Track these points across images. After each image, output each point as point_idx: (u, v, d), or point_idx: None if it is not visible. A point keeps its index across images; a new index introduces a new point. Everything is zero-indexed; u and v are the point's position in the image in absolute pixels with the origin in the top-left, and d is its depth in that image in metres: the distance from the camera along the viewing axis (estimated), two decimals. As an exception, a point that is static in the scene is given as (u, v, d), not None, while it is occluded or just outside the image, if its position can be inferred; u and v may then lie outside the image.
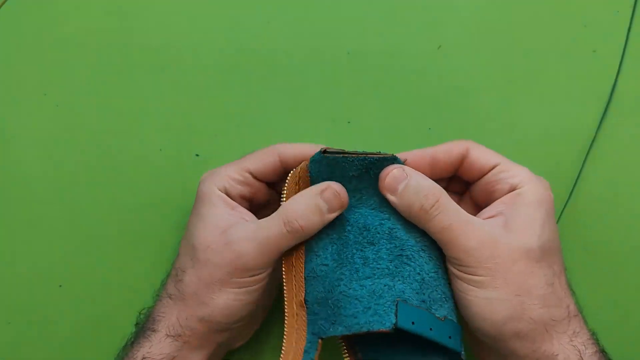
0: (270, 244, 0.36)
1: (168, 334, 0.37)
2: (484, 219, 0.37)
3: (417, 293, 0.36)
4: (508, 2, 0.47)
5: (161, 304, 0.38)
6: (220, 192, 0.39)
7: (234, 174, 0.39)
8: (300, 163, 0.38)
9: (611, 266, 0.45)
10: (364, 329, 0.35)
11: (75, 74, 0.47)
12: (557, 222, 0.44)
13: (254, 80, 0.47)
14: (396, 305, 0.35)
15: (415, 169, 0.37)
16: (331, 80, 0.47)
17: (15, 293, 0.45)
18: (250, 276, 0.37)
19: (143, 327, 0.38)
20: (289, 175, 0.38)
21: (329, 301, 0.36)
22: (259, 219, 0.38)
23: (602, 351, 0.36)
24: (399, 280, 0.36)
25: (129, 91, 0.47)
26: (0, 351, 0.45)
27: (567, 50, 0.47)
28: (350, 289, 0.36)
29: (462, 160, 0.39)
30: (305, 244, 0.38)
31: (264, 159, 0.39)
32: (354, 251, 0.37)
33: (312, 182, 0.38)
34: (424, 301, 0.36)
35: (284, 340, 0.37)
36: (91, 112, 0.46)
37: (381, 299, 0.35)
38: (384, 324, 0.34)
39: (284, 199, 0.38)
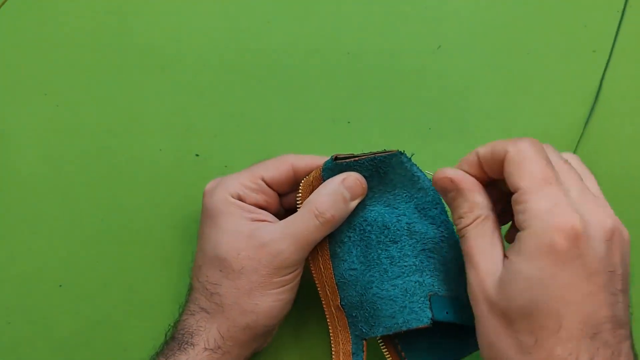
0: (304, 238, 0.37)
1: (207, 347, 0.37)
2: (506, 253, 0.33)
3: (444, 283, 0.38)
4: (508, 2, 0.47)
5: (195, 318, 0.38)
6: (234, 199, 0.39)
7: (247, 181, 0.39)
8: (312, 172, 0.39)
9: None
10: (404, 328, 0.37)
11: (75, 74, 0.47)
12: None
13: (254, 80, 0.47)
14: (429, 299, 0.37)
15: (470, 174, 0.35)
16: (331, 80, 0.47)
17: (15, 293, 0.45)
18: (288, 274, 0.38)
19: (178, 340, 0.38)
20: (302, 182, 0.39)
21: (364, 304, 0.38)
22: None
23: None
24: (427, 274, 0.38)
25: (129, 91, 0.47)
26: (0, 351, 0.45)
27: (567, 50, 0.47)
28: (383, 290, 0.38)
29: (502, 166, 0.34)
30: (329, 249, 0.39)
31: (278, 168, 0.40)
32: (379, 252, 0.38)
33: None
34: (451, 289, 0.38)
35: (332, 341, 0.40)
36: (91, 112, 0.46)
37: (414, 296, 0.37)
38: (422, 320, 0.37)
39: (300, 205, 0.39)
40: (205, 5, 0.47)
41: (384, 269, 0.38)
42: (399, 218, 0.39)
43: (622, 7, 0.47)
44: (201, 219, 0.40)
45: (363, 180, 0.38)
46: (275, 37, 0.47)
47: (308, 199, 0.38)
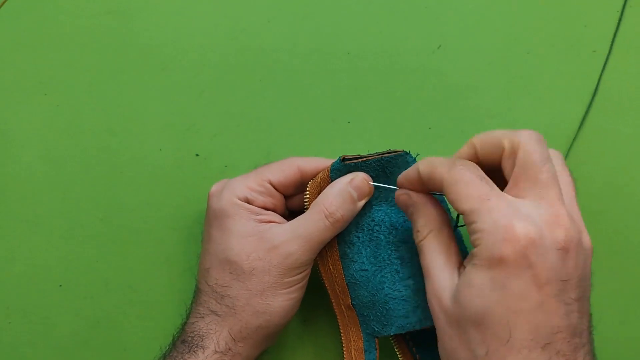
0: (314, 239, 0.38)
1: (217, 350, 0.37)
2: (463, 264, 0.34)
3: None
4: (508, 2, 0.47)
5: (205, 321, 0.38)
6: (241, 201, 0.39)
7: (254, 184, 0.39)
8: (319, 173, 0.40)
9: (597, 261, 0.45)
10: (417, 327, 0.38)
11: (75, 74, 0.47)
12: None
13: (254, 80, 0.47)
14: None
15: (414, 190, 0.36)
16: (331, 80, 0.47)
17: (15, 293, 0.45)
18: (298, 273, 0.38)
19: (188, 343, 0.38)
20: (309, 184, 0.40)
21: (377, 304, 0.39)
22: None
23: None
24: None
25: (129, 91, 0.47)
26: (0, 351, 0.45)
27: (567, 50, 0.47)
28: (395, 290, 0.38)
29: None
30: (338, 249, 0.39)
31: (285, 170, 0.40)
32: (389, 252, 0.39)
33: None
34: None
35: (342, 338, 0.40)
36: (91, 112, 0.46)
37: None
38: None
39: (308, 206, 0.39)
40: (205, 5, 0.47)
41: (395, 269, 0.39)
42: (406, 218, 0.39)
43: (622, 7, 0.47)
44: (207, 221, 0.40)
45: (370, 180, 0.39)
46: (275, 37, 0.47)
47: (317, 199, 0.39)
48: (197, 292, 0.40)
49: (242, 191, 0.39)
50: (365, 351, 0.39)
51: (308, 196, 0.39)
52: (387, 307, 0.38)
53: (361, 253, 0.39)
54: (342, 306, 0.40)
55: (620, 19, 0.46)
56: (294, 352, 0.45)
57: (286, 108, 0.47)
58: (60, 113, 0.46)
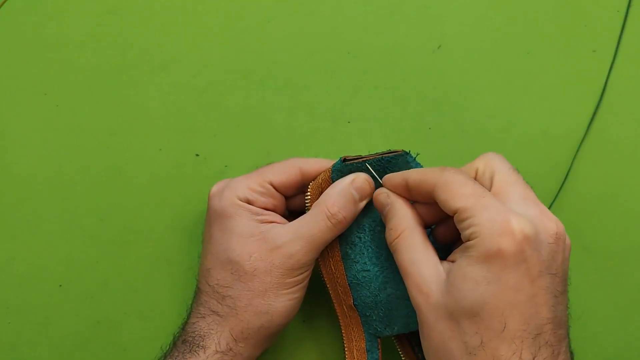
0: (316, 240, 0.38)
1: (218, 349, 0.37)
2: (448, 259, 0.35)
3: None
4: (508, 2, 0.47)
5: (206, 321, 0.38)
6: (243, 202, 0.39)
7: (255, 185, 0.39)
8: (320, 174, 0.40)
9: (602, 263, 0.45)
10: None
11: (75, 74, 0.47)
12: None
13: (254, 80, 0.47)
14: None
15: (396, 193, 0.37)
16: (331, 79, 0.47)
17: (15, 293, 0.45)
18: (300, 274, 0.38)
19: (189, 343, 0.38)
20: (310, 185, 0.40)
21: (379, 305, 0.39)
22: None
23: None
24: None
25: (129, 91, 0.47)
26: (0, 351, 0.45)
27: (567, 50, 0.47)
28: (398, 290, 0.39)
29: (433, 196, 0.35)
30: (339, 249, 0.39)
31: (286, 171, 0.40)
32: (391, 253, 0.38)
33: None
34: None
35: (344, 338, 0.40)
36: (91, 112, 0.46)
37: None
38: None
39: (309, 207, 0.39)
40: (205, 5, 0.47)
41: (397, 269, 0.38)
42: None
43: (624, 7, 0.47)
44: (208, 222, 0.40)
45: (371, 180, 0.39)
46: (275, 37, 0.47)
47: (318, 200, 0.39)
48: (197, 292, 0.40)
49: (243, 192, 0.39)
50: (367, 351, 0.39)
51: (309, 197, 0.39)
52: (390, 307, 0.38)
53: (363, 254, 0.39)
54: (344, 306, 0.40)
55: (625, 20, 0.46)
56: (294, 352, 0.45)
57: (286, 108, 0.47)
58: (60, 113, 0.46)
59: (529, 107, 0.46)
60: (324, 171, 0.39)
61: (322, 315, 0.45)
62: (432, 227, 0.39)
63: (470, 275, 0.32)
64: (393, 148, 0.39)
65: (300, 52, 0.47)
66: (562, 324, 0.33)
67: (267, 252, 0.38)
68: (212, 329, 0.38)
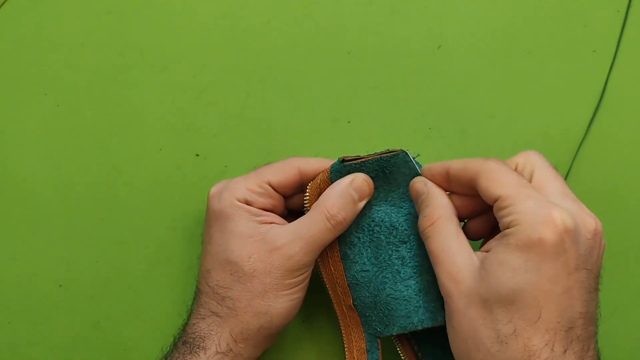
0: (316, 241, 0.38)
1: (218, 350, 0.37)
2: (481, 249, 0.35)
3: None
4: (508, 2, 0.47)
5: (206, 322, 0.38)
6: (241, 203, 0.39)
7: (254, 186, 0.39)
8: (318, 175, 0.40)
9: (602, 263, 0.45)
10: (419, 327, 0.38)
11: (75, 74, 0.47)
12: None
13: (254, 80, 0.47)
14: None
15: (434, 182, 0.37)
16: (331, 80, 0.47)
17: (15, 293, 0.45)
18: (299, 275, 0.38)
19: (190, 344, 0.38)
20: (308, 186, 0.40)
21: (378, 305, 0.39)
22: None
23: None
24: None
25: (129, 91, 0.47)
26: (0, 351, 0.45)
27: (567, 50, 0.47)
28: (396, 291, 0.38)
29: (474, 184, 0.35)
30: (339, 250, 0.40)
31: (284, 172, 0.40)
32: (390, 252, 0.39)
33: None
34: None
35: (344, 339, 0.40)
36: (91, 112, 0.46)
37: (428, 295, 0.38)
38: (437, 319, 0.37)
39: (308, 208, 0.39)
40: (206, 5, 0.47)
41: (396, 270, 0.39)
42: (406, 217, 0.39)
43: (624, 7, 0.47)
44: (207, 223, 0.40)
45: (370, 181, 0.39)
46: (275, 37, 0.47)
47: (317, 201, 0.38)
48: (197, 293, 0.40)
49: (241, 193, 0.39)
50: (367, 351, 0.39)
51: (308, 198, 0.39)
52: (389, 308, 0.38)
53: (362, 254, 0.39)
54: (344, 307, 0.40)
55: (625, 20, 0.46)
56: (294, 352, 0.45)
57: (286, 108, 0.47)
58: (60, 113, 0.46)
59: (529, 107, 0.46)
60: (323, 172, 0.39)
61: (322, 315, 0.45)
62: (464, 222, 0.39)
63: (508, 262, 0.32)
64: (393, 148, 0.39)
65: (300, 52, 0.47)
66: (592, 321, 0.33)
67: (266, 253, 0.38)
68: (212, 330, 0.38)
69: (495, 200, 0.33)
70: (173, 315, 0.45)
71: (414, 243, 0.39)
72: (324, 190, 0.39)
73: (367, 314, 0.39)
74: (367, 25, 0.47)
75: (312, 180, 0.40)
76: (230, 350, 0.38)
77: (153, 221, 0.46)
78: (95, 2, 0.47)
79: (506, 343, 0.32)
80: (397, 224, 0.39)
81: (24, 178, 0.46)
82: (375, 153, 0.39)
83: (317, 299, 0.43)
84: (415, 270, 0.38)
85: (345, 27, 0.47)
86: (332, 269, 0.40)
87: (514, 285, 0.31)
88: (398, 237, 0.39)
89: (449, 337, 0.35)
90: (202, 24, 0.47)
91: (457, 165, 0.36)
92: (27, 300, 0.45)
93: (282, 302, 0.38)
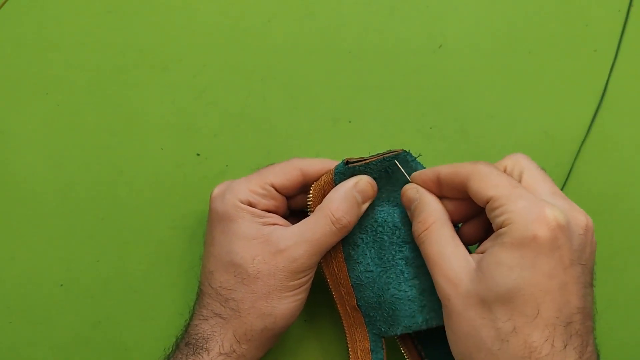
0: (320, 243, 0.38)
1: (221, 352, 0.37)
2: (476, 251, 0.35)
3: None
4: (508, 2, 0.47)
5: (209, 323, 0.38)
6: (244, 205, 0.39)
7: (256, 187, 0.39)
8: (321, 176, 0.40)
9: (603, 264, 0.45)
10: (424, 327, 0.38)
11: (75, 74, 0.47)
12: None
13: (254, 80, 0.47)
14: None
15: (425, 188, 0.38)
16: (332, 79, 0.47)
17: (16, 293, 0.45)
18: (303, 276, 0.38)
19: (193, 345, 0.38)
20: (312, 187, 0.39)
21: (383, 305, 0.39)
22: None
23: None
24: None
25: (130, 91, 0.47)
26: (1, 351, 0.45)
27: (568, 50, 0.47)
28: (400, 291, 0.38)
29: (466, 187, 0.36)
30: (342, 251, 0.40)
31: (287, 173, 0.40)
32: (393, 253, 0.39)
33: None
34: None
35: (347, 339, 0.40)
36: (92, 112, 0.46)
37: (432, 295, 0.37)
38: (441, 319, 0.37)
39: (311, 210, 0.39)
40: (206, 5, 0.47)
41: (400, 270, 0.39)
42: (408, 217, 0.39)
43: (625, 7, 0.47)
44: (210, 224, 0.40)
45: (374, 183, 0.39)
46: (276, 36, 0.47)
47: (322, 204, 0.38)
48: (200, 294, 0.40)
49: (244, 194, 0.39)
50: (372, 351, 0.39)
51: (311, 199, 0.39)
52: (394, 308, 0.38)
53: (365, 254, 0.39)
54: (347, 307, 0.40)
55: (626, 19, 0.46)
56: (297, 352, 0.45)
57: (287, 108, 0.46)
58: (61, 113, 0.46)
59: (530, 107, 0.46)
60: (326, 173, 0.39)
61: (325, 315, 0.45)
62: (458, 226, 0.39)
63: (504, 261, 0.32)
64: (394, 148, 0.39)
65: (300, 52, 0.47)
66: (590, 316, 0.33)
67: (270, 255, 0.38)
68: (216, 331, 0.38)
69: (487, 202, 0.34)
70: (174, 315, 0.45)
71: None
72: (328, 192, 0.39)
73: (372, 314, 0.39)
74: (368, 25, 0.47)
75: (315, 182, 0.40)
76: (234, 351, 0.38)
77: (154, 221, 0.46)
78: (96, 2, 0.47)
79: (507, 341, 0.32)
80: (400, 224, 0.39)
81: (25, 178, 0.46)
82: (378, 154, 0.39)
83: (319, 298, 0.43)
84: (419, 270, 0.38)
85: (346, 26, 0.47)
86: (335, 269, 0.40)
87: (511, 282, 0.32)
88: (401, 237, 0.39)
89: (448, 339, 0.35)
90: (202, 24, 0.47)
91: (447, 170, 0.36)
92: (28, 300, 0.45)
93: (286, 303, 0.38)
